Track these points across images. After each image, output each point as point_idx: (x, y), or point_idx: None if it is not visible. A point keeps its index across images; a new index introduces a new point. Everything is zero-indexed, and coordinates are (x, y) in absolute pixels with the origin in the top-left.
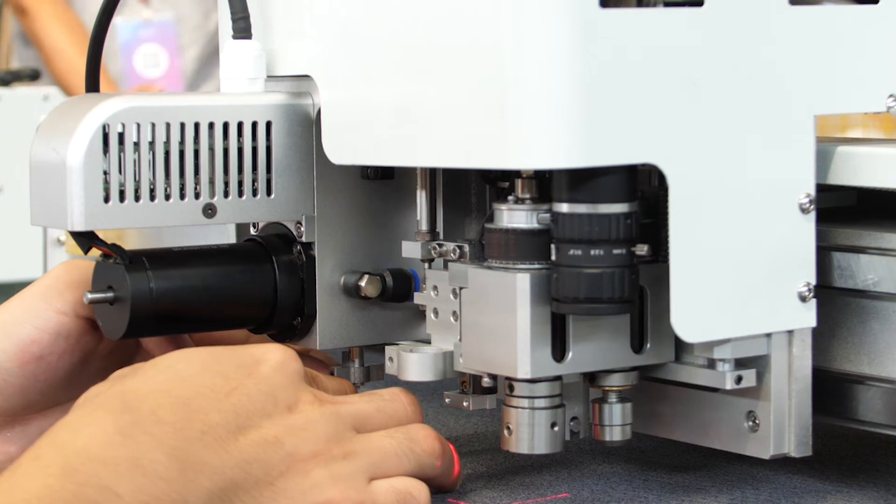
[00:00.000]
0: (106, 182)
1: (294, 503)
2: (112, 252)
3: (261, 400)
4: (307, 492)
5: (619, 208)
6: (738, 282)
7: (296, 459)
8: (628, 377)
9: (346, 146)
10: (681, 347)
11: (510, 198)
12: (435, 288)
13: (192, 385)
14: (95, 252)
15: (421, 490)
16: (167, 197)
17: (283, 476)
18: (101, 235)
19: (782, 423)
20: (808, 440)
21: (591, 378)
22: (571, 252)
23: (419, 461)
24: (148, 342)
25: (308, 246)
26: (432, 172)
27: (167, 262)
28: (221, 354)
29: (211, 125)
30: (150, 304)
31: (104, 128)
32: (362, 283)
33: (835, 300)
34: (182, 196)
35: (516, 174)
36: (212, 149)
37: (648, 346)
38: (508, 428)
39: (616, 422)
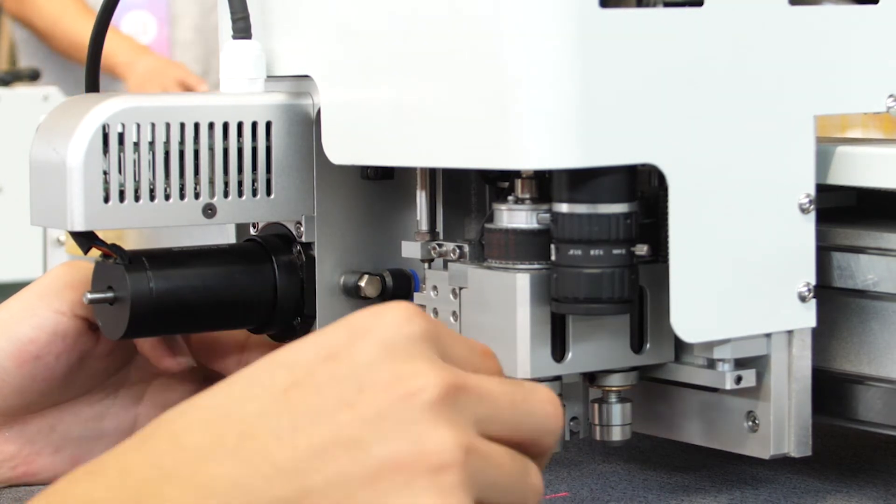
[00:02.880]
0: (106, 182)
1: None
2: (112, 252)
3: (336, 389)
4: None
5: (618, 208)
6: (737, 282)
7: (384, 466)
8: (628, 377)
9: (346, 146)
10: (681, 347)
11: (510, 198)
12: (435, 288)
13: (243, 386)
14: (95, 252)
15: None
16: (167, 197)
17: (363, 488)
18: (101, 235)
19: (782, 423)
20: (808, 440)
21: (591, 378)
22: (571, 252)
23: (528, 496)
24: (143, 345)
25: (308, 246)
26: (432, 172)
27: (167, 262)
28: (308, 339)
29: (211, 125)
30: (150, 304)
31: (104, 128)
32: (362, 283)
33: (835, 300)
34: (182, 196)
35: (516, 174)
36: (212, 149)
37: (648, 346)
38: None
39: (616, 422)
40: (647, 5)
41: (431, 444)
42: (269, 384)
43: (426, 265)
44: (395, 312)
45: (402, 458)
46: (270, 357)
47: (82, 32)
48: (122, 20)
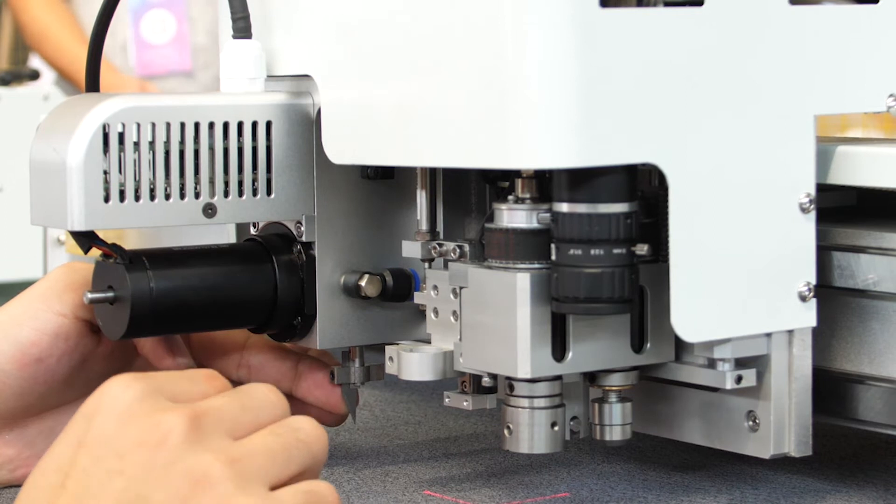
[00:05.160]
0: (106, 182)
1: None
2: (112, 252)
3: (100, 466)
4: None
5: (619, 208)
6: (738, 281)
7: (174, 497)
8: (628, 377)
9: (346, 146)
10: (681, 347)
11: (510, 197)
12: (435, 288)
13: (26, 498)
14: (95, 252)
15: (328, 489)
16: (167, 197)
17: None
18: (101, 235)
19: (782, 423)
20: (808, 440)
21: (591, 378)
22: (571, 252)
23: (311, 451)
24: (143, 346)
25: (308, 246)
26: (432, 172)
27: (167, 262)
28: (58, 440)
29: (211, 125)
30: (150, 303)
31: (104, 128)
32: (362, 283)
33: (835, 300)
34: (182, 196)
35: (516, 174)
36: (212, 148)
37: (648, 345)
38: (508, 428)
39: (616, 421)
40: (647, 5)
41: (199, 471)
42: (47, 489)
43: (426, 265)
44: (113, 384)
45: (182, 494)
46: (37, 468)
47: (67, 49)
48: (142, 19)
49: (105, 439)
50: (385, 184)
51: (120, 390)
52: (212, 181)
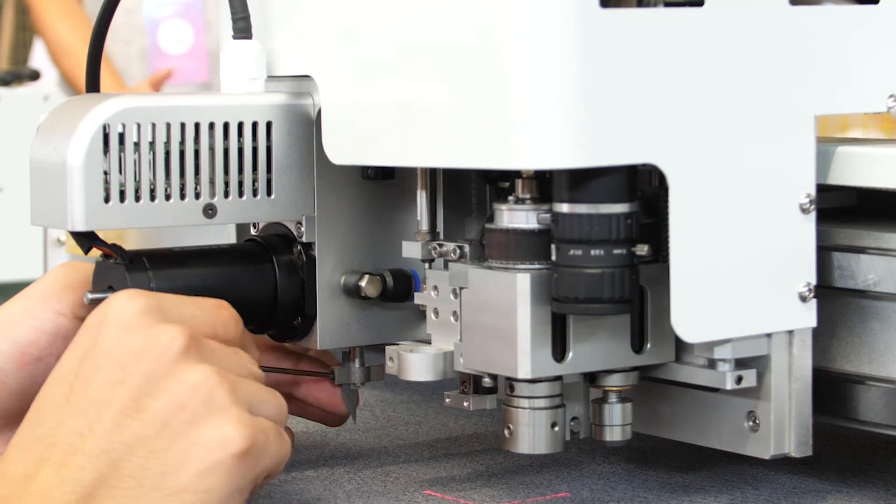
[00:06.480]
0: (106, 182)
1: (196, 460)
2: (112, 252)
3: (101, 375)
4: (210, 444)
5: (619, 208)
6: (738, 282)
7: (168, 413)
8: (628, 377)
9: (346, 146)
10: (681, 347)
11: (510, 198)
12: (435, 288)
13: (36, 413)
14: (95, 252)
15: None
16: (167, 197)
17: (159, 438)
18: (101, 235)
19: (782, 423)
20: (808, 440)
21: (592, 378)
22: (572, 252)
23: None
24: None
25: (308, 246)
26: (432, 172)
27: (167, 262)
28: (64, 354)
29: (211, 125)
30: None
31: (104, 128)
32: (362, 283)
33: (835, 300)
34: (182, 196)
35: (517, 174)
36: (212, 149)
37: (648, 346)
38: (509, 428)
39: (616, 422)
40: (648, 5)
41: (194, 379)
42: (53, 400)
43: (427, 265)
44: (118, 298)
45: (179, 400)
46: (45, 383)
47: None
48: (159, 29)
49: (107, 350)
50: (385, 184)
51: (124, 302)
52: (212, 181)
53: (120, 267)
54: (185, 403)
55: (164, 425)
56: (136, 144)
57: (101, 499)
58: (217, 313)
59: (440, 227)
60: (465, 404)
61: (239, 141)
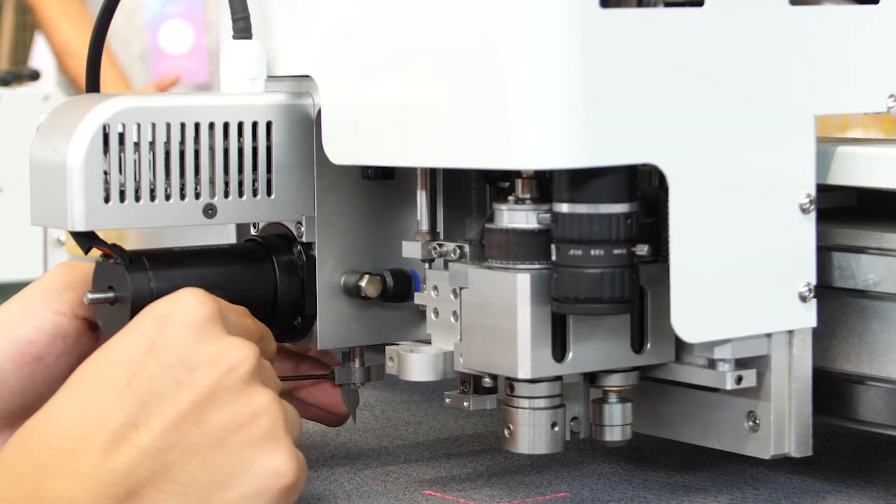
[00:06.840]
0: (106, 182)
1: (248, 479)
2: (112, 252)
3: (169, 373)
4: (260, 467)
5: (619, 208)
6: (738, 282)
7: (227, 429)
8: (628, 377)
9: (346, 146)
10: (681, 347)
11: (510, 198)
12: (435, 288)
13: (87, 391)
14: (95, 252)
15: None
16: (167, 197)
17: (213, 451)
18: (101, 235)
19: (782, 423)
20: (808, 440)
21: (592, 378)
22: (572, 252)
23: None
24: None
25: (308, 246)
26: (432, 172)
27: (167, 262)
28: (122, 336)
29: (211, 125)
30: (150, 303)
31: (104, 128)
32: (362, 283)
33: (835, 300)
34: (182, 196)
35: (517, 174)
36: (212, 149)
37: (648, 346)
38: (509, 428)
39: (616, 422)
40: (647, 5)
41: (257, 403)
42: (110, 383)
43: (427, 265)
44: (188, 297)
45: (240, 419)
46: (97, 360)
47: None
48: (160, 29)
49: (177, 349)
50: (385, 184)
51: (194, 304)
52: (212, 181)
53: (120, 267)
54: (246, 424)
55: (221, 441)
56: (136, 144)
57: (147, 497)
58: (259, 327)
59: (440, 227)
60: (465, 404)
61: (239, 141)
